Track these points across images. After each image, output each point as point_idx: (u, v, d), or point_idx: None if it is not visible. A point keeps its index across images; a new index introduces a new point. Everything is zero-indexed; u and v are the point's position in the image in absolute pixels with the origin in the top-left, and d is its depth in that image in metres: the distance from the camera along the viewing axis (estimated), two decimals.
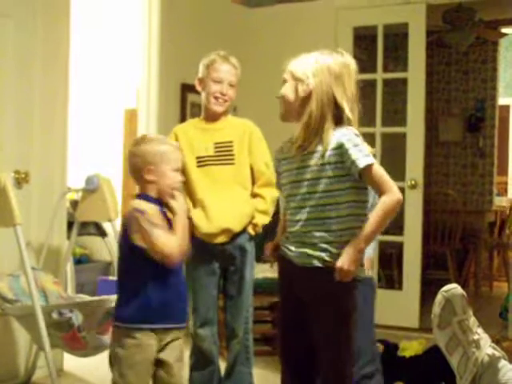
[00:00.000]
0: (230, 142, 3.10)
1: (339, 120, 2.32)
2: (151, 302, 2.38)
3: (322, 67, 2.32)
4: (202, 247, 3.03)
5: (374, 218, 2.26)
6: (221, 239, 3.05)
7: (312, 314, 2.35)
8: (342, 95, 2.31)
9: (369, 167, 2.24)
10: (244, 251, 3.09)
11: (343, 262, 2.23)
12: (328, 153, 2.27)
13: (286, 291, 2.47)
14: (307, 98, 2.32)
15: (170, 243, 2.35)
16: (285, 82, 2.41)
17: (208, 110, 3.14)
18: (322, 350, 2.34)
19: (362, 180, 2.29)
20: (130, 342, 2.38)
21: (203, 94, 3.14)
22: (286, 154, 2.43)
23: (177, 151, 2.53)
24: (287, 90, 2.38)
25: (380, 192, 2.27)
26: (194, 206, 3.07)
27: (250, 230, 3.10)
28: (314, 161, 2.30)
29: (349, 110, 2.31)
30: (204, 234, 3.04)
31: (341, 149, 2.25)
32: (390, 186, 2.27)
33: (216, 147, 3.09)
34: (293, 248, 2.36)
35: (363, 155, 2.24)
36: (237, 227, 3.06)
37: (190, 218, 3.01)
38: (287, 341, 2.48)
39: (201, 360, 3.13)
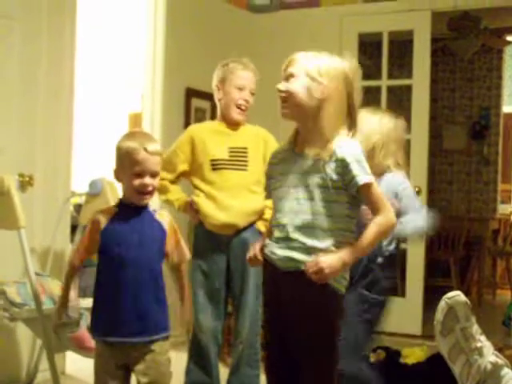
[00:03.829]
0: (245, 148, 3.13)
1: (349, 128, 2.27)
2: (96, 314, 2.39)
3: (338, 71, 2.25)
4: (208, 236, 3.08)
5: (367, 236, 2.20)
6: (226, 231, 3.08)
7: (294, 321, 2.27)
8: (354, 103, 2.27)
9: (367, 185, 2.20)
10: (246, 245, 3.08)
11: (321, 259, 2.14)
12: (332, 163, 2.20)
13: (269, 297, 2.40)
14: (323, 101, 2.23)
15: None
16: (291, 76, 2.27)
17: (227, 118, 3.15)
18: (302, 362, 2.27)
19: (358, 196, 2.23)
20: (96, 350, 2.42)
21: (223, 101, 3.13)
22: (282, 157, 2.35)
23: (139, 152, 2.30)
24: (298, 87, 2.25)
25: (376, 212, 2.23)
26: (206, 198, 3.11)
27: (260, 226, 3.11)
28: (317, 168, 2.22)
29: (348, 116, 2.27)
30: (211, 224, 3.07)
31: (343, 162, 2.19)
32: (386, 208, 2.23)
33: (230, 152, 3.12)
34: (278, 252, 2.27)
35: (364, 173, 2.19)
36: (241, 223, 3.09)
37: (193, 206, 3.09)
38: (271, 348, 2.42)
39: (197, 354, 3.14)
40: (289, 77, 2.28)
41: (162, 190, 3.10)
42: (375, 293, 2.83)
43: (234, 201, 3.07)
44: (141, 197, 2.34)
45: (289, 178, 2.29)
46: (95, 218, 2.37)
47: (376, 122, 2.91)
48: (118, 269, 2.30)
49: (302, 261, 2.20)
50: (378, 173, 2.80)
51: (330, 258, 2.15)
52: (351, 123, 2.28)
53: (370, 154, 2.78)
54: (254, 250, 2.40)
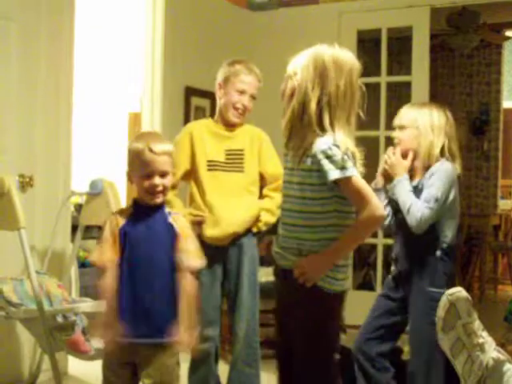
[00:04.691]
0: (241, 150, 3.13)
1: (315, 122, 2.18)
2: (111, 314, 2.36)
3: (307, 62, 2.21)
4: (204, 247, 3.05)
5: (349, 235, 2.19)
6: (225, 242, 3.07)
7: (290, 320, 2.30)
8: (323, 93, 2.17)
9: (341, 180, 2.13)
10: (241, 247, 3.10)
11: (303, 262, 2.18)
12: (309, 160, 2.18)
13: (277, 293, 2.43)
14: (293, 95, 2.23)
15: (94, 254, 2.35)
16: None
17: (224, 119, 3.14)
18: (298, 355, 2.29)
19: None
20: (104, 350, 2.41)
21: (222, 101, 3.13)
22: (285, 152, 2.35)
23: (145, 154, 2.30)
24: (280, 89, 2.29)
25: (357, 208, 2.18)
26: (204, 206, 3.08)
27: (254, 228, 3.12)
28: (298, 165, 2.21)
29: (328, 110, 2.17)
30: (209, 238, 3.05)
31: (315, 158, 2.15)
32: (368, 201, 2.14)
33: (227, 154, 3.11)
34: (276, 249, 2.32)
35: (336, 167, 2.12)
36: (241, 230, 3.09)
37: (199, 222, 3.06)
38: (279, 341, 2.45)
39: (198, 360, 3.13)
40: None
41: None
42: (440, 287, 2.78)
43: (230, 207, 3.05)
44: (152, 197, 2.34)
45: (286, 174, 2.32)
46: (112, 218, 2.36)
47: (428, 119, 2.93)
48: (130, 268, 2.30)
49: (293, 260, 2.23)
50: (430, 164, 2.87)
51: (311, 260, 2.18)
52: (330, 116, 2.18)
53: (428, 151, 2.87)
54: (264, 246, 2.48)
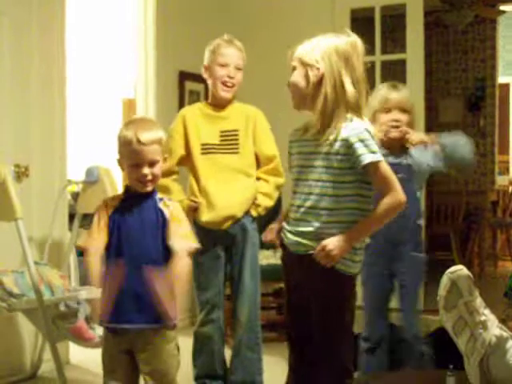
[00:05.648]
0: (236, 130, 3.10)
1: (351, 105, 2.26)
2: (103, 301, 2.35)
3: (330, 49, 2.27)
4: (204, 232, 3.04)
5: (373, 217, 2.26)
6: (224, 225, 3.06)
7: (309, 299, 2.34)
8: (352, 77, 2.26)
9: (373, 164, 2.21)
10: (245, 231, 3.10)
11: (326, 242, 2.22)
12: (337, 143, 2.24)
13: (287, 276, 2.47)
14: (319, 83, 2.26)
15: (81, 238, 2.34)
16: (294, 69, 2.33)
17: (216, 97, 3.12)
18: (316, 338, 2.34)
19: (366, 175, 2.26)
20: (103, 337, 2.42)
21: (210, 81, 3.11)
22: (299, 136, 2.38)
23: (133, 144, 2.27)
24: (297, 77, 2.31)
25: (383, 192, 2.25)
26: (199, 192, 3.08)
27: (252, 211, 3.11)
28: (325, 149, 2.26)
29: (358, 93, 2.27)
30: (206, 222, 3.04)
31: (347, 142, 2.22)
32: (393, 186, 2.24)
33: (222, 136, 3.09)
34: (289, 236, 2.36)
35: (369, 151, 2.21)
36: (239, 213, 3.07)
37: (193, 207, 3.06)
38: (292, 325, 2.48)
39: (200, 343, 3.15)
40: (292, 70, 2.34)
41: (164, 190, 2.90)
42: (421, 252, 2.99)
43: (226, 190, 3.04)
44: (142, 185, 2.32)
45: (302, 158, 2.35)
46: (102, 205, 2.36)
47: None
48: (119, 255, 2.29)
49: (310, 245, 2.27)
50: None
51: (334, 240, 2.22)
52: (349, 97, 2.26)
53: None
54: (271, 233, 2.49)
